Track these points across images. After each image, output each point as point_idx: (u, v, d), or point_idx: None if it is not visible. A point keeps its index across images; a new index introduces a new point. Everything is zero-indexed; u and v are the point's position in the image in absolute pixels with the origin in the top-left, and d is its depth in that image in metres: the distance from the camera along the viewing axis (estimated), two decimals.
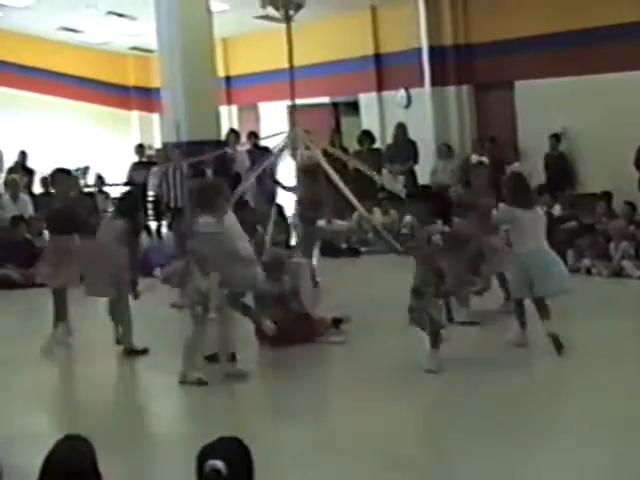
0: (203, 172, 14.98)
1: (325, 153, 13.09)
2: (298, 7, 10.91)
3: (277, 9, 11.04)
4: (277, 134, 11.79)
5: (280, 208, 16.65)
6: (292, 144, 11.48)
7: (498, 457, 6.22)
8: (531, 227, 8.74)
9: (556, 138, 15.75)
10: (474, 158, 16.05)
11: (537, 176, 15.86)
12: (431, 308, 8.24)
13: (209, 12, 17.03)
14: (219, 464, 3.39)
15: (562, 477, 5.90)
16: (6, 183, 17.54)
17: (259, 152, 16.47)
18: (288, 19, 10.95)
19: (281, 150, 12.43)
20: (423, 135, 17.54)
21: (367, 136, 17.70)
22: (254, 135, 18.77)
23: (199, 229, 8.36)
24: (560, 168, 15.71)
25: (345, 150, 17.37)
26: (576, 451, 6.27)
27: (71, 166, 20.38)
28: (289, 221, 13.77)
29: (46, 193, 18.34)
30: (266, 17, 11.20)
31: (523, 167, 16.15)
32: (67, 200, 10.04)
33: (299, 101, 11.68)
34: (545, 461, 6.07)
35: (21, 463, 4.69)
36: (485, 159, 15.39)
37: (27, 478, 3.69)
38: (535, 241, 8.73)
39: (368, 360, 8.95)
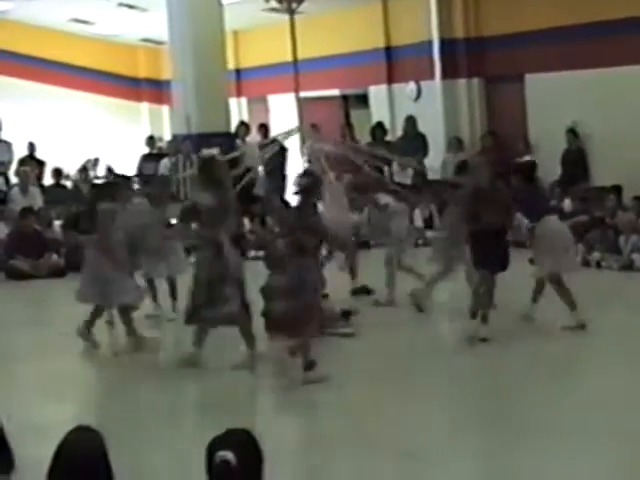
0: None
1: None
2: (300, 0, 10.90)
3: (280, 2, 11.03)
4: (289, 132, 11.76)
5: (286, 202, 16.69)
6: (301, 139, 11.48)
7: (508, 453, 6.22)
8: None
9: (573, 133, 15.67)
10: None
11: (548, 170, 15.84)
12: None
13: (220, 4, 17.04)
14: (229, 455, 3.40)
15: (576, 473, 5.90)
16: (17, 174, 17.59)
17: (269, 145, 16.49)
18: (291, 12, 10.94)
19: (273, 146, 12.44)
20: (433, 128, 17.50)
21: (380, 128, 17.67)
22: (264, 127, 18.77)
23: None
24: (577, 163, 15.62)
25: (356, 143, 17.37)
26: (585, 446, 6.27)
27: (81, 158, 20.57)
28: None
29: (57, 184, 18.40)
30: (273, 10, 11.19)
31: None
32: None
33: (309, 94, 11.69)
34: (557, 457, 6.06)
35: (32, 453, 4.70)
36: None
37: (38, 468, 3.70)
38: None
39: (377, 352, 8.96)
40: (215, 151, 14.92)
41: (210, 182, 8.93)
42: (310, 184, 8.59)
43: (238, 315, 8.56)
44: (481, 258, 9.21)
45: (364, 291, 11.42)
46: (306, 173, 9.34)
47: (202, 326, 8.77)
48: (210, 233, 8.66)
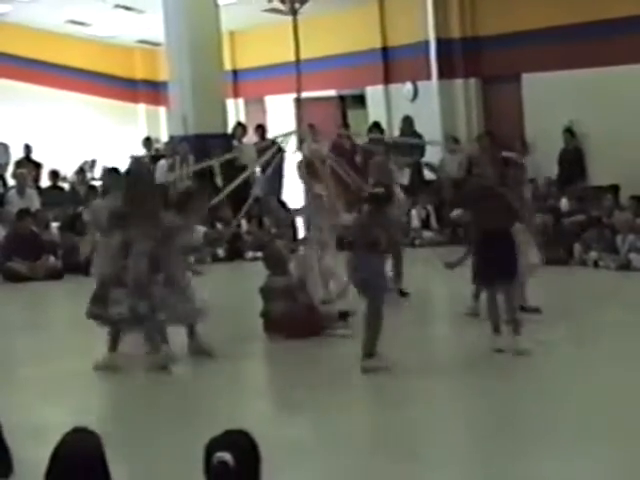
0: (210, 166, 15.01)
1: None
2: (304, 0, 10.88)
3: (283, 2, 11.01)
4: (288, 133, 11.75)
5: (284, 203, 16.71)
6: (299, 138, 11.45)
7: (508, 456, 6.21)
8: None
9: (570, 133, 15.67)
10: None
11: (545, 169, 15.85)
12: None
13: (216, 5, 17.05)
14: (227, 456, 3.40)
15: (575, 476, 5.89)
16: (14, 176, 17.59)
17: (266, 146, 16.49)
18: (294, 12, 10.92)
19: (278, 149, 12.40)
20: (430, 128, 17.51)
21: (377, 128, 17.68)
22: (261, 128, 18.77)
23: None
24: (574, 162, 15.62)
25: (353, 143, 17.37)
26: (585, 449, 6.27)
27: (78, 159, 20.57)
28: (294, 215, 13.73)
29: (54, 186, 18.39)
30: (273, 10, 11.18)
31: (531, 160, 16.17)
32: None
33: (306, 94, 11.69)
34: (557, 460, 6.04)
35: (31, 456, 4.70)
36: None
37: (36, 470, 3.70)
38: None
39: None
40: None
41: (126, 182, 9.03)
42: (383, 193, 8.56)
43: (127, 319, 8.54)
44: (483, 269, 8.73)
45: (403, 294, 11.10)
46: (378, 183, 9.29)
47: (101, 324, 8.82)
48: (121, 234, 8.65)
